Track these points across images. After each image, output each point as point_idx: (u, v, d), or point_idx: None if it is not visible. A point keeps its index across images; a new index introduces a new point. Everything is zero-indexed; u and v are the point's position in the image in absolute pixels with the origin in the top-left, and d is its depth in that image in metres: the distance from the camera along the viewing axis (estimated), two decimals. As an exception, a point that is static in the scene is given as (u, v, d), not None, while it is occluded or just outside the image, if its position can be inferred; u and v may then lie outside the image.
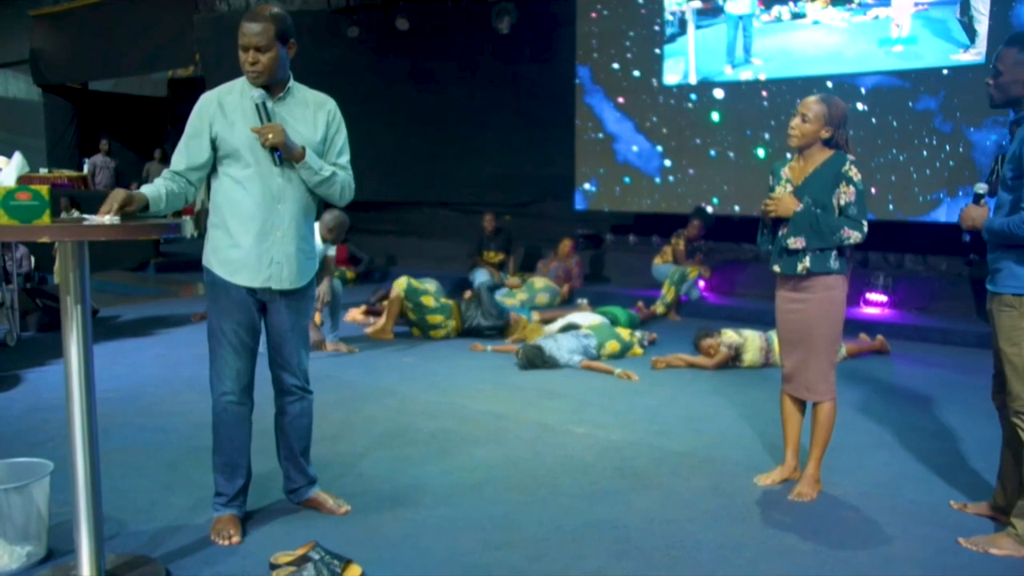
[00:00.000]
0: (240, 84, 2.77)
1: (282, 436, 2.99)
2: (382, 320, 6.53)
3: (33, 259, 7.52)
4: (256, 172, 2.70)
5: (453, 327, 6.49)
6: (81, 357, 2.34)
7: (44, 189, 2.15)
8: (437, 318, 6.45)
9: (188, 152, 2.71)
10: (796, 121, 3.15)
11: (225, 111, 2.71)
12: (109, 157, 13.07)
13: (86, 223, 2.21)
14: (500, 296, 7.87)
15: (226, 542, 2.75)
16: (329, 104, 2.87)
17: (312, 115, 2.81)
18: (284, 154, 2.68)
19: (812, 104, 3.12)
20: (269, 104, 2.70)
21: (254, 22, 2.63)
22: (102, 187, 12.47)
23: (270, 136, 2.64)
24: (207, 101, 2.74)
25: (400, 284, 6.47)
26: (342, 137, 2.89)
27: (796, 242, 3.12)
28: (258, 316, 2.82)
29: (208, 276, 2.78)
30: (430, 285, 6.93)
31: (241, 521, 2.86)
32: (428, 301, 6.46)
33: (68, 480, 2.40)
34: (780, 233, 3.19)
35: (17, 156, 2.57)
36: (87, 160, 13.00)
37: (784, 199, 3.14)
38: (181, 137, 2.74)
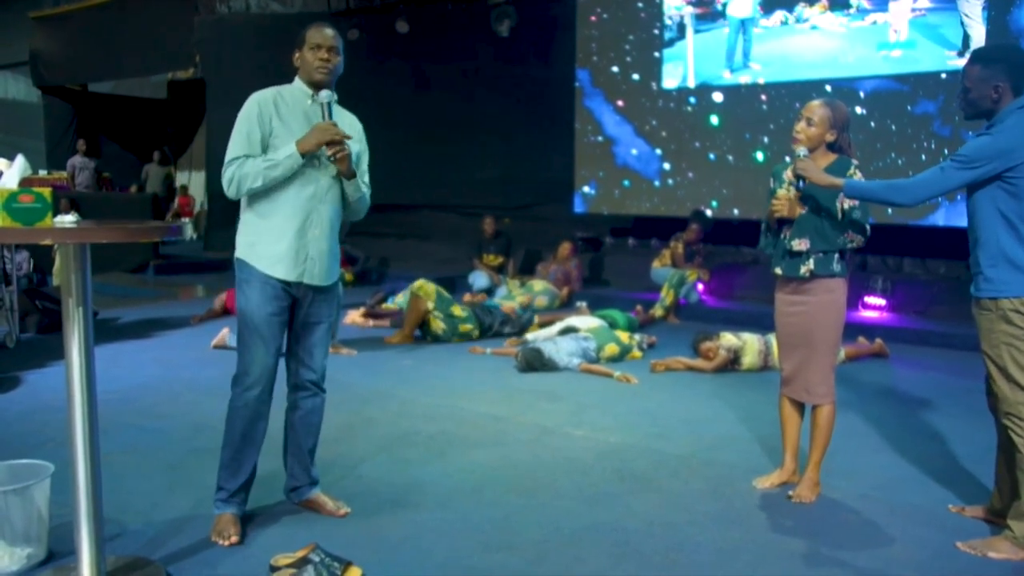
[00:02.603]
0: (294, 88, 2.88)
1: (291, 432, 3.02)
2: (406, 328, 6.37)
3: (32, 261, 7.53)
4: (307, 170, 2.78)
5: (477, 336, 6.47)
6: (82, 359, 2.34)
7: (47, 192, 2.16)
8: (468, 327, 6.39)
9: (250, 143, 2.75)
10: (801, 125, 3.16)
11: (280, 112, 2.80)
12: (88, 158, 13.01)
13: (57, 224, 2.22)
14: (499, 298, 7.88)
15: (226, 542, 2.76)
16: (358, 125, 3.00)
17: (347, 131, 2.89)
18: (343, 168, 2.79)
19: (817, 108, 3.13)
20: (334, 107, 2.83)
21: (328, 28, 2.83)
22: (83, 188, 12.43)
23: (344, 150, 2.75)
24: (263, 99, 2.80)
25: (427, 292, 6.29)
26: (367, 157, 3.03)
27: (800, 244, 3.13)
28: (288, 312, 2.87)
29: (244, 271, 2.81)
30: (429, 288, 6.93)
31: (241, 520, 2.87)
32: (457, 311, 6.38)
33: (68, 482, 2.40)
34: (783, 235, 3.20)
35: (20, 159, 2.57)
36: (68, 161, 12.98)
37: (790, 200, 3.15)
38: (235, 133, 2.79)
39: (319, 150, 2.75)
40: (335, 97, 2.85)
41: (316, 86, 2.82)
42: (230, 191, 2.75)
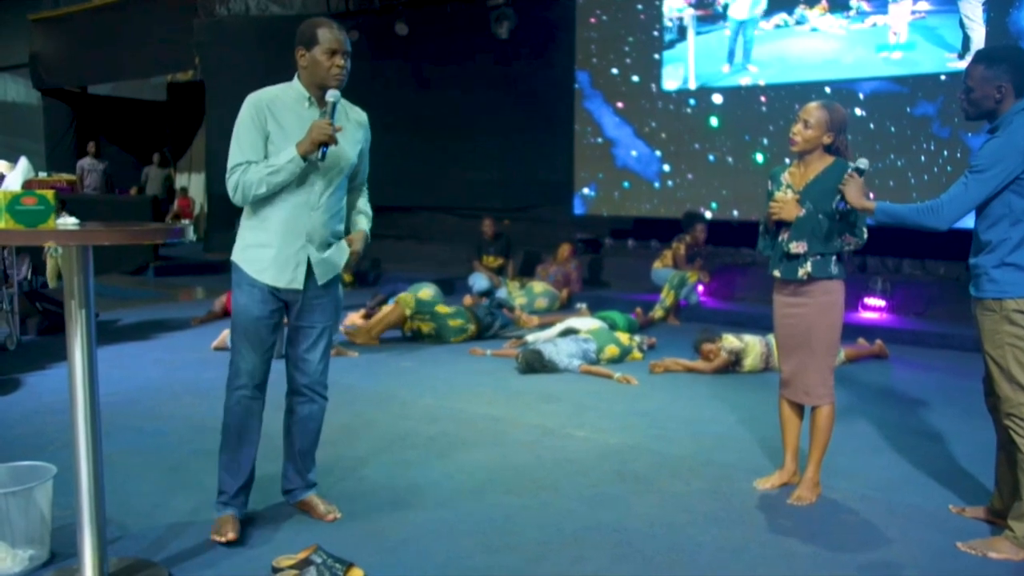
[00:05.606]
0: (290, 90, 2.81)
1: (287, 436, 3.04)
2: (371, 322, 6.38)
3: (29, 264, 7.49)
4: (300, 178, 2.74)
5: (473, 330, 6.48)
6: (85, 361, 2.35)
7: (50, 194, 2.17)
8: (458, 322, 6.41)
9: (252, 148, 2.72)
10: (798, 127, 3.16)
11: (276, 115, 2.75)
12: (98, 160, 12.98)
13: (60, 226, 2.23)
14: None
15: (222, 538, 2.78)
16: (364, 119, 2.98)
17: (352, 129, 2.89)
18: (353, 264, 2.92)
19: (814, 110, 3.14)
20: (338, 108, 2.77)
21: (341, 32, 2.74)
22: (91, 190, 12.42)
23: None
24: (258, 102, 2.75)
25: (406, 301, 6.39)
26: (367, 154, 3.03)
27: (798, 247, 3.13)
28: (279, 315, 2.87)
29: (236, 274, 2.83)
30: (429, 290, 6.92)
31: (241, 521, 2.88)
32: (443, 309, 6.42)
33: (70, 483, 2.41)
34: (781, 238, 3.21)
35: (23, 161, 2.58)
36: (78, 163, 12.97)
37: (788, 203, 3.16)
38: (234, 139, 2.75)
39: (316, 154, 2.69)
40: (340, 96, 2.79)
41: (322, 90, 2.75)
42: (235, 198, 2.74)
